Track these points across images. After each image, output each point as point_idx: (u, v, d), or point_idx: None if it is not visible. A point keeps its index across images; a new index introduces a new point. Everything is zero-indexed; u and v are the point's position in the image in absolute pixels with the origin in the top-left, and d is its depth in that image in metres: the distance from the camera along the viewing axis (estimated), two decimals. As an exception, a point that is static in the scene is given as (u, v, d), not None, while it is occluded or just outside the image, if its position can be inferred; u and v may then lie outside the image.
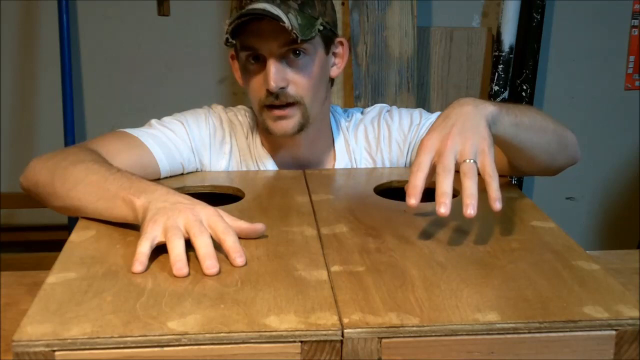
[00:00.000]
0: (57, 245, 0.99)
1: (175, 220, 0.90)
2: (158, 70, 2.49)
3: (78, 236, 0.99)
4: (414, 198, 0.93)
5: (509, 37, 2.39)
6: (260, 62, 1.24)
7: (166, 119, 1.32)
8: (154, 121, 1.31)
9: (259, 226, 0.96)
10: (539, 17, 2.40)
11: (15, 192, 2.32)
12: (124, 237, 0.98)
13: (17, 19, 2.43)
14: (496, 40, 2.42)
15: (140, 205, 0.95)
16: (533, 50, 2.43)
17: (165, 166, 1.26)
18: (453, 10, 2.48)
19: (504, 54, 2.40)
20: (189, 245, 0.89)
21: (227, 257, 0.88)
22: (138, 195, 0.97)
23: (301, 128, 1.27)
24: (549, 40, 2.52)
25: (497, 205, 0.92)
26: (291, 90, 1.23)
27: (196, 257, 0.87)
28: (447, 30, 2.47)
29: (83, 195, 1.04)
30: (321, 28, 1.23)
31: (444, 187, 0.91)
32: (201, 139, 1.32)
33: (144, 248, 0.88)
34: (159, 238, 0.90)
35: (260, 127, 1.34)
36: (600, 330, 0.76)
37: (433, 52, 2.47)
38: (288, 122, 1.25)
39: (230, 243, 0.89)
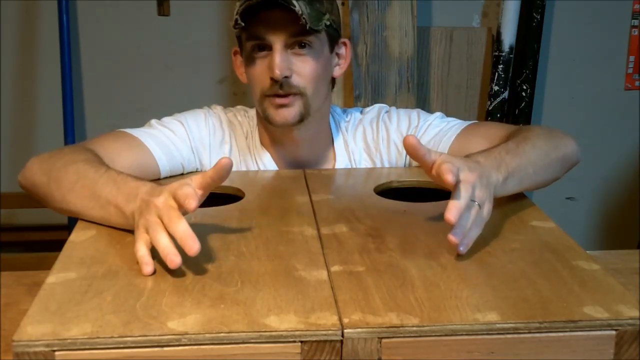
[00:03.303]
0: (57, 245, 0.99)
1: (148, 217, 0.89)
2: (158, 70, 2.49)
3: (78, 236, 0.99)
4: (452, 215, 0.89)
5: (509, 37, 2.39)
6: (265, 51, 1.24)
7: (166, 119, 1.32)
8: (153, 121, 1.31)
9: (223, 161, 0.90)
10: (539, 17, 2.40)
11: (15, 192, 2.31)
12: (124, 237, 0.98)
13: (17, 19, 2.42)
14: (496, 40, 2.42)
15: (130, 213, 0.95)
16: (533, 50, 2.43)
17: (165, 166, 1.26)
18: (453, 10, 2.48)
19: (504, 54, 2.40)
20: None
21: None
22: (125, 204, 0.96)
23: (301, 119, 1.27)
24: (549, 40, 2.52)
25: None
26: (294, 80, 1.24)
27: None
28: (447, 30, 2.47)
29: (77, 201, 1.04)
30: (328, 24, 1.24)
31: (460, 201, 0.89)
32: (201, 139, 1.32)
33: (142, 251, 0.87)
34: (147, 238, 0.89)
35: (260, 123, 1.34)
36: (600, 330, 0.76)
37: (433, 52, 2.47)
38: (289, 110, 1.25)
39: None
